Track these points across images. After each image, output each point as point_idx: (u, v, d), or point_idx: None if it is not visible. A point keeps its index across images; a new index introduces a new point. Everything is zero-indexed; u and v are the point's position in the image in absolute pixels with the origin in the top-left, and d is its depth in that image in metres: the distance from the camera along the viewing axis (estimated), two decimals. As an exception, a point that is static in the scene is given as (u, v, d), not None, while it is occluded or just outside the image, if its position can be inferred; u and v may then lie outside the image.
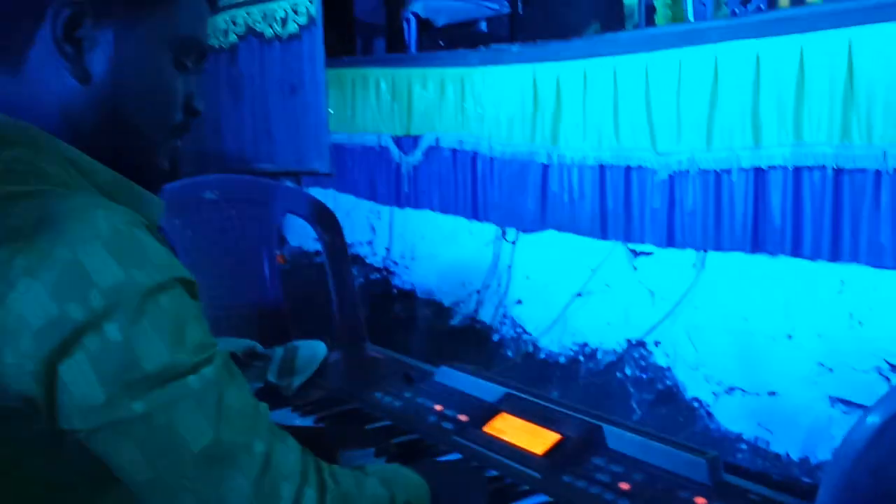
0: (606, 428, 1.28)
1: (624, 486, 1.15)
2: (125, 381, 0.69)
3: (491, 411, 1.37)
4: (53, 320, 0.67)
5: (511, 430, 1.32)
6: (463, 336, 3.17)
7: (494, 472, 1.24)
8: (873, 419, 0.60)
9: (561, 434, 1.27)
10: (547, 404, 1.37)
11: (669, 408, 2.52)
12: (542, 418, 1.33)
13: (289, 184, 4.07)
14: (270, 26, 3.87)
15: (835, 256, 2.15)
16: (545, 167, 2.84)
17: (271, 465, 0.75)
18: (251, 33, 3.98)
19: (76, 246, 0.68)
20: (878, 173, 2.02)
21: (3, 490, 0.71)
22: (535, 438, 1.28)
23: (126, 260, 0.70)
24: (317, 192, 4.03)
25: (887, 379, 2.10)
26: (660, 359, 2.60)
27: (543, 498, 1.16)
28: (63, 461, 0.71)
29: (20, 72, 0.83)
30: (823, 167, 2.12)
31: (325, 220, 1.88)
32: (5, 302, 0.67)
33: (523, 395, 1.41)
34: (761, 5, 4.37)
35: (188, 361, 0.72)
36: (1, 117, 0.82)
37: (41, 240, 0.68)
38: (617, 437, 1.26)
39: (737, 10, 4.38)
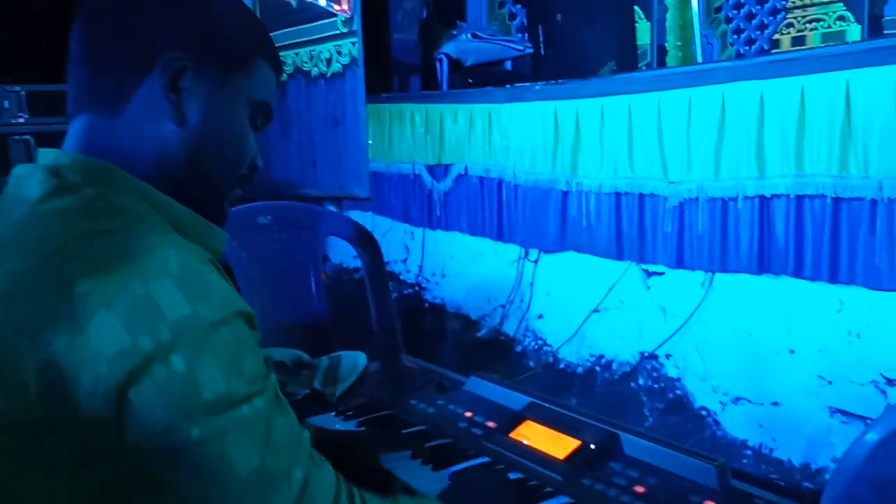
0: (623, 435, 1.28)
1: (639, 489, 1.16)
2: (186, 407, 0.70)
3: (517, 419, 1.38)
4: (126, 350, 0.68)
5: (535, 436, 1.32)
6: (488, 347, 3.16)
7: (519, 475, 1.24)
8: (872, 436, 0.60)
9: (581, 440, 1.28)
10: (568, 413, 1.37)
11: (679, 416, 2.50)
12: (564, 426, 1.33)
13: (331, 208, 4.10)
14: (316, 66, 3.92)
15: (834, 278, 2.12)
16: (565, 194, 2.84)
17: (307, 491, 0.76)
18: (299, 72, 4.03)
19: (148, 282, 0.70)
20: (873, 202, 2.00)
21: (68, 490, 0.73)
22: (558, 444, 1.28)
23: (192, 295, 0.71)
24: (356, 215, 4.06)
25: (883, 392, 2.06)
26: (671, 370, 2.58)
27: (565, 499, 1.17)
28: (122, 471, 0.72)
29: (121, 114, 0.85)
30: (823, 196, 2.10)
31: (365, 242, 1.91)
32: (85, 330, 0.68)
33: (546, 405, 1.41)
34: (764, 45, 4.36)
35: (243, 392, 0.73)
36: (83, 157, 0.84)
37: (118, 274, 0.70)
38: (633, 444, 1.27)
39: (741, 51, 4.38)
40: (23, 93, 3.93)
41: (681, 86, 2.42)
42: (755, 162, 2.23)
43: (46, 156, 0.86)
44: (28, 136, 3.92)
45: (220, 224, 0.94)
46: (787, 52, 3.11)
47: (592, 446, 1.26)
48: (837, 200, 2.07)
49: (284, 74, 4.13)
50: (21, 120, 3.92)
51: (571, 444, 1.28)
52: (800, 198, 2.16)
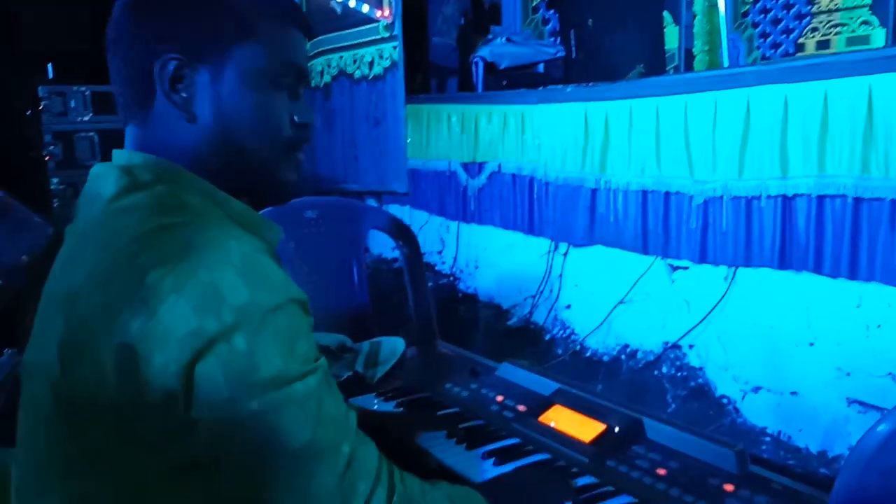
0: (647, 421, 1.28)
1: (661, 471, 1.16)
2: (245, 383, 0.73)
3: (545, 403, 1.39)
4: (193, 331, 0.71)
5: (563, 419, 1.33)
6: (519, 335, 3.17)
7: (548, 456, 1.25)
8: (884, 427, 0.60)
9: (606, 425, 1.28)
10: (594, 399, 1.38)
11: (701, 403, 2.48)
12: (590, 410, 1.34)
13: (372, 202, 4.14)
14: (359, 68, 3.95)
15: (853, 274, 2.10)
16: (594, 191, 2.83)
17: (353, 465, 0.78)
18: (343, 74, 4.06)
19: (213, 270, 0.73)
20: (893, 202, 1.97)
21: (140, 467, 0.76)
22: (584, 428, 1.29)
23: (252, 283, 0.74)
24: (395, 209, 4.09)
25: (900, 384, 2.04)
26: (693, 360, 2.56)
27: (590, 479, 1.17)
28: (192, 447, 0.75)
29: (148, 124, 0.88)
30: (844, 196, 2.07)
31: (404, 236, 1.92)
32: (157, 314, 0.71)
33: (574, 391, 1.42)
34: (789, 49, 4.29)
35: (297, 371, 0.76)
36: (152, 158, 0.87)
37: (186, 264, 0.73)
38: (655, 429, 1.27)
39: (767, 54, 4.31)
40: (88, 93, 4.02)
41: (707, 89, 2.40)
42: (778, 163, 2.20)
43: (119, 156, 0.89)
44: (93, 133, 4.02)
45: (286, 196, 0.96)
46: (811, 57, 3.05)
47: (617, 430, 1.26)
48: (858, 200, 2.05)
49: (329, 76, 4.17)
50: (86, 118, 4.02)
51: (597, 427, 1.28)
52: (821, 197, 2.13)
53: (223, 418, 0.73)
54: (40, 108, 3.97)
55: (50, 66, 4.23)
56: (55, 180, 3.97)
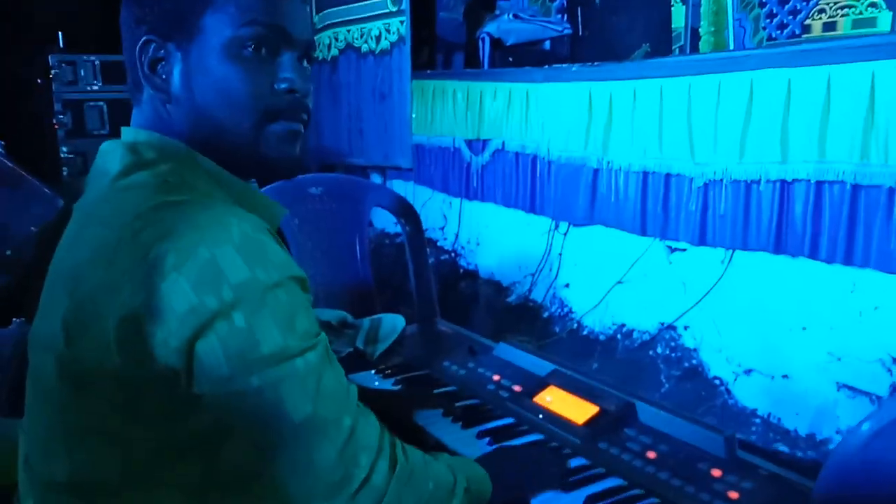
0: (639, 404, 1.30)
1: (651, 454, 1.17)
2: (246, 359, 0.73)
3: (541, 384, 1.40)
4: (194, 307, 0.71)
5: (557, 401, 1.34)
6: (518, 312, 3.17)
7: (541, 437, 1.27)
8: (867, 427, 0.60)
9: (599, 407, 1.29)
10: (589, 380, 1.39)
11: (694, 384, 2.49)
12: (584, 392, 1.35)
13: (376, 177, 4.13)
14: (366, 42, 3.91)
15: (848, 260, 2.09)
16: (595, 171, 2.81)
17: (354, 437, 0.79)
18: (350, 48, 4.02)
19: (213, 248, 0.73)
20: (891, 189, 1.96)
21: (145, 440, 0.77)
22: (578, 409, 1.30)
23: (252, 261, 0.74)
24: (399, 184, 4.08)
25: (889, 371, 2.04)
26: (688, 341, 2.57)
27: (582, 461, 1.19)
28: (197, 420, 0.76)
29: (142, 105, 0.89)
30: (843, 182, 2.06)
31: (406, 214, 1.92)
32: (158, 290, 0.72)
33: (569, 372, 1.43)
34: (795, 30, 4.23)
35: (297, 347, 0.76)
36: (157, 137, 0.87)
37: (187, 241, 0.73)
38: (647, 413, 1.28)
39: (773, 35, 4.26)
40: (97, 62, 4.00)
41: (711, 71, 2.37)
42: (779, 147, 2.18)
43: (127, 133, 0.89)
44: (102, 103, 4.00)
45: (284, 171, 0.91)
46: (816, 42, 3.01)
47: (610, 412, 1.28)
48: (856, 187, 2.03)
49: (336, 49, 4.14)
50: (96, 87, 4.00)
51: (590, 409, 1.29)
52: (820, 183, 2.11)
53: (225, 394, 0.74)
54: (50, 76, 3.95)
55: (60, 35, 4.20)
56: (65, 149, 3.96)
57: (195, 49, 0.84)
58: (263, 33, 0.84)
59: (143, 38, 0.84)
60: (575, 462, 1.18)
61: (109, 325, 0.72)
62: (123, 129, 0.89)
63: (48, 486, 0.81)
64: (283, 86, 0.86)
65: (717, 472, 1.11)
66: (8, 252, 1.98)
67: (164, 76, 0.85)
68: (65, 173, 3.98)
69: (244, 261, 0.74)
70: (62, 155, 3.95)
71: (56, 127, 3.94)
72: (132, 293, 0.72)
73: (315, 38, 0.93)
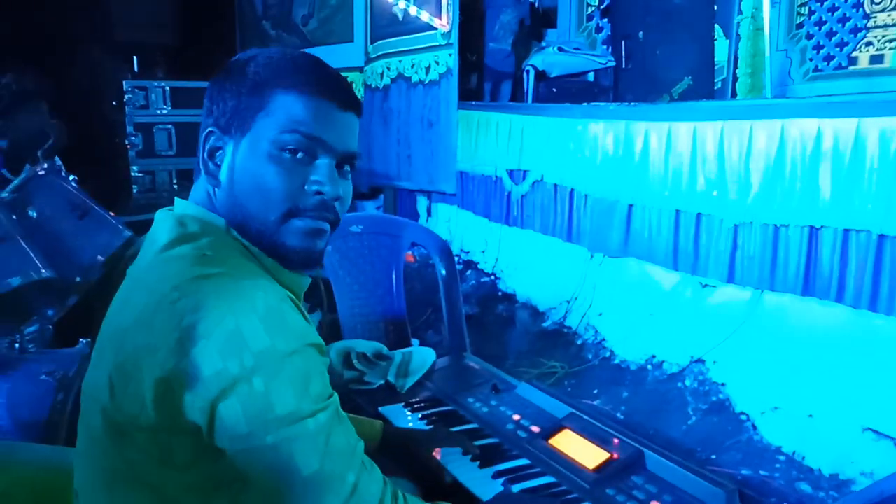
0: (647, 453, 1.32)
1: (655, 504, 1.20)
2: (262, 420, 0.80)
3: (557, 426, 1.44)
4: (218, 372, 0.79)
5: (571, 444, 1.38)
6: (552, 337, 3.19)
7: (553, 479, 1.30)
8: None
9: (610, 453, 1.33)
10: (602, 427, 1.42)
11: (721, 417, 2.48)
12: (597, 438, 1.38)
13: (423, 200, 4.19)
14: (416, 73, 3.99)
15: (873, 307, 2.07)
16: (630, 206, 2.83)
17: (357, 492, 0.85)
18: (401, 77, 4.11)
19: (239, 318, 0.80)
20: (917, 241, 1.94)
21: (174, 484, 0.85)
22: (589, 454, 1.34)
23: (272, 330, 0.81)
24: (444, 208, 4.15)
25: (913, 417, 2.01)
26: (716, 375, 2.56)
27: (589, 506, 1.22)
28: (216, 469, 0.84)
29: (197, 182, 0.97)
30: (869, 231, 2.04)
31: (441, 253, 1.98)
32: (189, 354, 0.79)
33: (584, 416, 1.46)
34: (842, 62, 4.16)
35: (309, 409, 0.83)
36: (203, 212, 0.95)
37: (216, 312, 0.80)
38: (655, 462, 1.31)
39: (819, 66, 4.19)
40: (167, 88, 4.19)
41: (744, 117, 2.37)
42: (808, 194, 2.18)
43: (178, 205, 0.97)
44: (170, 126, 4.20)
45: (297, 255, 0.93)
46: (847, 95, 2.96)
47: (619, 460, 1.31)
48: (882, 237, 2.01)
49: (388, 79, 4.23)
50: (165, 111, 4.19)
51: (601, 455, 1.33)
52: (847, 231, 2.10)
53: (243, 448, 0.82)
54: (124, 100, 4.15)
55: (135, 59, 4.42)
56: (135, 168, 4.15)
57: (244, 145, 0.92)
58: (303, 141, 0.91)
59: (208, 129, 0.93)
60: (582, 507, 1.21)
61: (147, 384, 0.80)
62: (177, 200, 0.97)
63: None
64: (313, 188, 0.92)
65: (716, 526, 1.13)
66: (77, 279, 2.12)
67: (218, 163, 0.93)
68: (135, 190, 4.17)
69: (266, 330, 0.81)
70: (133, 174, 4.14)
71: (128, 147, 4.14)
72: (167, 356, 0.79)
73: (358, 151, 0.97)
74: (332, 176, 0.93)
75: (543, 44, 4.33)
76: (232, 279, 0.84)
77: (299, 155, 0.91)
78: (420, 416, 1.55)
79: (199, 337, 0.79)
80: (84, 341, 1.80)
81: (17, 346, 1.92)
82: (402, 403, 1.61)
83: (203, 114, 0.95)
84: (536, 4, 4.88)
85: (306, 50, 4.88)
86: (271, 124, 0.90)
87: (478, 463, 1.34)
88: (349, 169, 0.97)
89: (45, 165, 2.33)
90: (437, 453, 1.36)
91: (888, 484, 0.65)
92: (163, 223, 0.94)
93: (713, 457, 2.28)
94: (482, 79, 4.43)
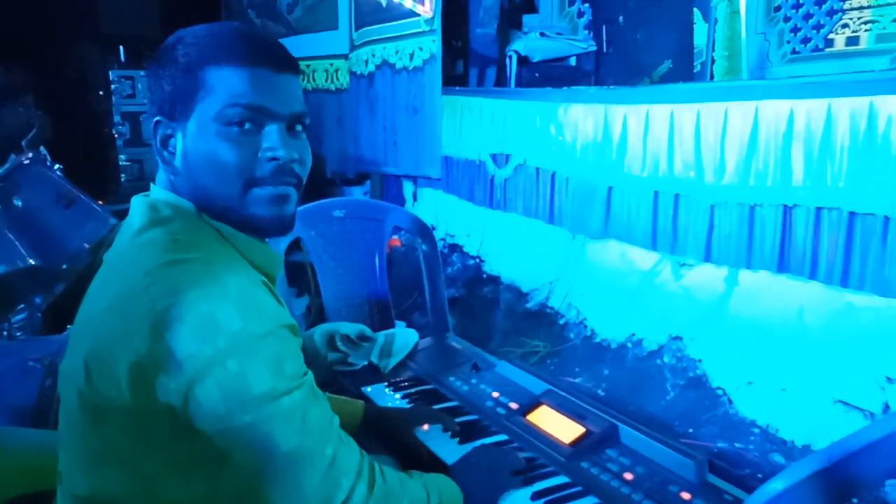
0: (622, 427, 1.34)
1: (628, 476, 1.22)
2: (239, 399, 0.81)
3: (535, 403, 1.45)
4: (192, 355, 0.79)
5: (548, 420, 1.39)
6: (536, 317, 3.21)
7: (530, 454, 1.32)
8: (776, 485, 0.64)
9: (586, 428, 1.34)
10: (578, 402, 1.43)
11: (698, 393, 2.51)
12: (574, 413, 1.39)
13: (409, 185, 4.18)
14: (401, 59, 3.97)
15: (845, 283, 2.09)
16: (610, 188, 2.84)
17: (336, 464, 0.86)
18: (386, 64, 4.09)
19: (212, 302, 0.80)
20: (886, 218, 1.95)
21: (162, 461, 0.85)
22: (565, 429, 1.35)
23: (245, 313, 0.81)
24: (430, 192, 4.14)
25: (882, 389, 2.04)
26: (693, 352, 2.58)
27: (564, 479, 1.23)
28: (196, 447, 0.84)
29: (160, 172, 0.97)
30: (840, 209, 2.06)
31: (423, 234, 1.98)
32: (162, 339, 0.79)
33: (561, 392, 1.48)
34: (819, 44, 4.17)
35: (284, 387, 0.83)
36: (174, 197, 0.94)
37: (189, 296, 0.80)
38: (629, 435, 1.32)
39: (797, 48, 4.20)
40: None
41: (720, 99, 2.38)
42: (781, 174, 2.19)
43: (153, 191, 0.96)
44: (157, 114, 4.16)
45: (268, 223, 0.93)
46: (819, 77, 2.98)
47: (594, 434, 1.32)
48: (853, 214, 2.03)
49: (373, 65, 4.21)
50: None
51: (577, 430, 1.34)
52: (819, 209, 2.12)
53: (222, 428, 0.82)
54: (111, 90, 4.11)
55: (122, 49, 4.36)
56: (123, 157, 4.12)
57: (191, 128, 0.91)
58: (245, 113, 0.90)
59: (155, 119, 0.92)
60: (557, 480, 1.23)
61: (121, 368, 0.81)
62: (151, 186, 0.97)
63: (73, 498, 0.90)
64: (266, 154, 0.91)
65: (686, 496, 1.14)
66: (64, 266, 2.11)
67: (172, 151, 0.93)
68: (123, 179, 4.14)
69: (238, 313, 0.81)
70: (121, 163, 4.11)
71: (116, 137, 4.10)
72: (140, 341, 0.79)
73: (304, 109, 0.96)
74: (283, 140, 0.92)
75: (525, 30, 4.32)
76: (204, 264, 0.84)
77: (246, 126, 0.90)
78: (402, 394, 1.56)
79: (173, 321, 0.79)
80: (71, 328, 1.79)
81: (5, 333, 1.91)
82: (385, 383, 1.62)
83: (147, 104, 0.95)
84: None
85: (291, 38, 4.84)
86: (212, 102, 0.89)
87: (457, 439, 1.35)
88: (300, 128, 0.96)
89: (31, 155, 2.31)
90: (418, 430, 1.37)
91: (837, 448, 0.66)
92: (137, 209, 0.94)
93: (690, 430, 2.31)
94: (467, 64, 4.40)
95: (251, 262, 0.91)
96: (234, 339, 0.80)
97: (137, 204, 0.94)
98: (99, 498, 0.87)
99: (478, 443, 1.32)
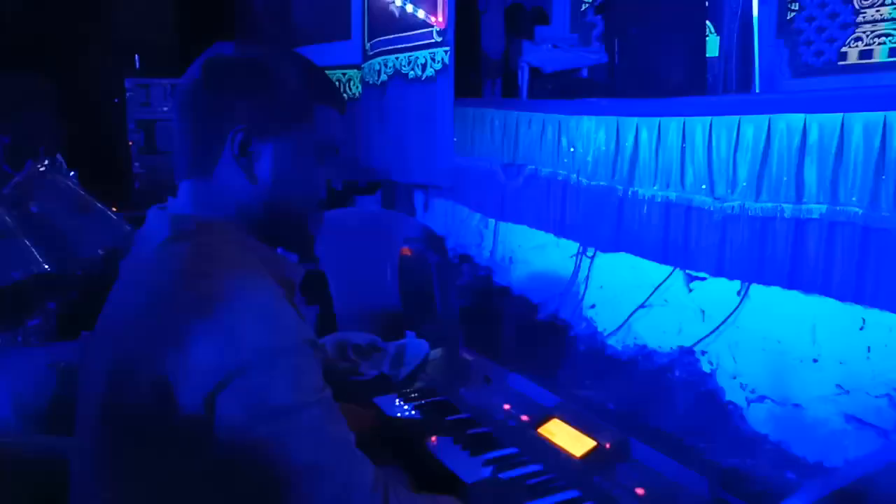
0: (633, 441, 1.33)
1: (639, 490, 1.21)
2: (257, 412, 0.82)
3: (546, 415, 1.45)
4: (216, 366, 0.80)
5: (559, 433, 1.39)
6: (545, 328, 3.20)
7: (541, 467, 1.32)
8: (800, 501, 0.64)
9: (597, 441, 1.34)
10: (590, 415, 1.43)
11: (708, 407, 2.49)
12: (585, 426, 1.39)
13: (419, 195, 4.19)
14: (413, 70, 3.99)
15: (858, 299, 2.07)
16: (621, 200, 2.83)
17: (349, 482, 0.87)
18: (398, 74, 4.11)
19: (235, 315, 0.82)
20: (900, 234, 1.94)
21: (169, 471, 0.86)
22: (577, 443, 1.35)
23: (268, 327, 0.83)
24: (440, 202, 4.15)
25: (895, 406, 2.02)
26: (704, 366, 2.57)
27: (575, 493, 1.23)
28: (214, 457, 0.85)
29: (211, 178, 0.97)
30: (853, 224, 2.04)
31: (434, 246, 1.98)
32: (188, 351, 0.80)
33: (573, 405, 1.47)
34: (832, 57, 4.16)
35: (302, 401, 0.84)
36: (198, 210, 0.96)
37: (214, 309, 0.82)
38: (641, 450, 1.32)
39: (809, 62, 4.19)
40: (169, 85, 4.18)
41: (731, 112, 2.37)
42: (794, 189, 2.18)
43: (173, 205, 0.98)
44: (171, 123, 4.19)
45: (309, 243, 1.06)
46: (831, 90, 2.97)
47: (606, 448, 1.32)
48: (867, 230, 2.01)
49: (385, 75, 4.23)
50: (166, 109, 4.19)
51: (588, 444, 1.34)
52: (833, 224, 2.10)
53: (238, 440, 0.83)
54: (126, 97, 4.14)
55: (137, 57, 4.40)
56: (137, 164, 4.15)
57: (286, 146, 1.00)
58: (333, 145, 1.04)
59: (239, 128, 0.95)
60: (569, 494, 1.22)
61: (144, 380, 0.81)
62: (170, 200, 0.98)
63: None
64: (330, 181, 1.00)
65: (698, 512, 1.14)
66: (78, 272, 2.12)
67: (252, 160, 0.96)
68: (136, 186, 4.17)
69: (261, 327, 0.82)
70: (134, 170, 4.14)
71: (130, 144, 4.14)
72: (165, 353, 0.81)
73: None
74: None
75: (537, 40, 4.32)
76: (228, 277, 0.86)
77: (329, 156, 1.05)
78: (413, 406, 1.57)
79: (198, 334, 0.80)
80: (86, 333, 1.80)
81: (20, 338, 1.92)
82: (396, 393, 1.62)
83: (223, 113, 0.96)
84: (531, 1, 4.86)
85: (304, 47, 4.87)
86: (311, 131, 1.01)
87: (469, 451, 1.35)
88: None
89: (47, 162, 2.34)
90: (429, 442, 1.37)
91: (853, 469, 0.66)
92: (157, 221, 0.95)
93: (701, 446, 2.29)
94: (479, 75, 4.41)
95: (275, 274, 0.93)
96: (256, 353, 0.81)
97: (158, 217, 0.96)
98: None
99: (492, 455, 1.32)
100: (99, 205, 2.29)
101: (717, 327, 2.53)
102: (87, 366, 0.93)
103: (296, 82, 1.01)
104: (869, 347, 2.09)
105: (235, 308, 0.82)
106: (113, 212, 2.32)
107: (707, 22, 4.09)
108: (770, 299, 2.36)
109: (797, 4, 4.14)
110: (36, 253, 2.01)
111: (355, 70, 4.55)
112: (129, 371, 0.84)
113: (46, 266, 2.00)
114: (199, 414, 0.81)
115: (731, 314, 2.48)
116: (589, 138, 2.97)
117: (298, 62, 1.03)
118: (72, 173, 2.31)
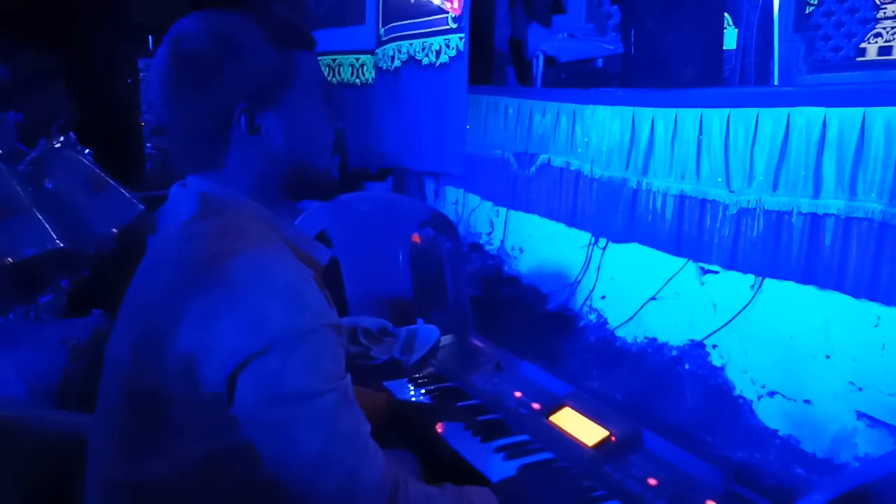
0: (645, 431, 1.32)
1: (651, 481, 1.20)
2: (273, 395, 0.81)
3: (558, 404, 1.44)
4: (239, 346, 0.79)
5: (571, 422, 1.38)
6: (555, 319, 3.19)
7: (552, 455, 1.31)
8: (817, 499, 0.63)
9: (609, 431, 1.33)
10: (601, 405, 1.42)
11: (719, 401, 2.48)
12: (597, 416, 1.38)
13: (430, 182, 4.17)
14: (427, 56, 3.96)
15: (873, 296, 2.06)
16: (635, 191, 2.81)
17: (358, 476, 0.85)
18: (412, 61, 4.08)
19: (260, 296, 0.81)
20: (919, 231, 1.92)
21: (190, 451, 0.85)
22: (589, 432, 1.34)
23: (292, 308, 0.81)
24: (452, 190, 4.14)
25: (909, 404, 2.01)
26: (715, 360, 2.56)
27: (587, 483, 1.22)
28: (231, 438, 0.84)
29: (224, 166, 0.95)
30: (871, 220, 2.02)
31: (447, 231, 1.97)
32: (213, 330, 0.80)
33: (585, 395, 1.46)
34: (850, 53, 4.11)
35: (319, 388, 0.83)
36: (222, 189, 0.94)
37: (239, 288, 0.81)
38: (653, 440, 1.31)
39: (827, 57, 4.15)
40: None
41: (750, 105, 2.35)
42: (811, 183, 2.16)
43: (195, 182, 0.95)
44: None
45: (334, 187, 1.04)
46: (852, 84, 2.93)
47: (618, 438, 1.31)
48: (884, 226, 1.99)
49: (399, 61, 4.20)
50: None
51: (601, 433, 1.33)
52: (849, 219, 2.08)
53: (250, 420, 0.82)
54: (139, 77, 4.14)
55: (150, 38, 4.39)
56: (149, 145, 4.14)
57: (288, 108, 0.95)
58: (325, 85, 0.99)
59: (241, 107, 0.91)
60: (581, 484, 1.21)
61: (169, 357, 0.81)
62: (191, 177, 0.96)
63: (107, 483, 0.90)
64: (335, 120, 1.01)
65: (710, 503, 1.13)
66: (91, 250, 2.13)
67: (263, 134, 0.94)
68: (148, 167, 4.17)
69: (285, 308, 0.81)
70: (147, 150, 4.14)
71: (142, 125, 4.13)
72: (191, 330, 0.80)
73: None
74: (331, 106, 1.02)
75: (553, 29, 4.30)
76: (254, 256, 0.85)
77: (326, 97, 1.00)
78: (424, 391, 1.56)
79: (222, 312, 0.80)
80: (97, 311, 1.81)
81: (32, 315, 1.93)
82: (407, 378, 1.62)
83: (218, 97, 0.92)
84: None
85: (318, 31, 4.85)
86: (303, 85, 0.96)
87: (480, 437, 1.34)
88: None
89: (61, 139, 2.33)
90: (440, 427, 1.36)
91: (864, 470, 0.65)
92: (183, 199, 0.93)
93: (710, 439, 2.28)
94: (493, 62, 4.38)
95: (301, 253, 0.92)
96: (278, 334, 0.80)
97: (183, 194, 0.94)
98: (136, 483, 0.87)
99: (503, 441, 1.32)
100: (113, 183, 2.29)
101: (730, 321, 2.51)
102: (113, 342, 0.92)
103: (269, 38, 0.94)
104: (884, 345, 2.07)
105: (260, 288, 0.81)
106: (126, 191, 2.32)
107: (725, 14, 4.06)
108: (783, 294, 2.34)
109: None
110: (50, 229, 2.02)
111: (369, 55, 4.53)
112: (155, 347, 0.83)
113: (60, 243, 2.00)
114: (220, 392, 0.81)
115: (744, 308, 2.46)
116: (604, 128, 2.95)
117: (250, 14, 0.96)
118: (87, 151, 2.31)
